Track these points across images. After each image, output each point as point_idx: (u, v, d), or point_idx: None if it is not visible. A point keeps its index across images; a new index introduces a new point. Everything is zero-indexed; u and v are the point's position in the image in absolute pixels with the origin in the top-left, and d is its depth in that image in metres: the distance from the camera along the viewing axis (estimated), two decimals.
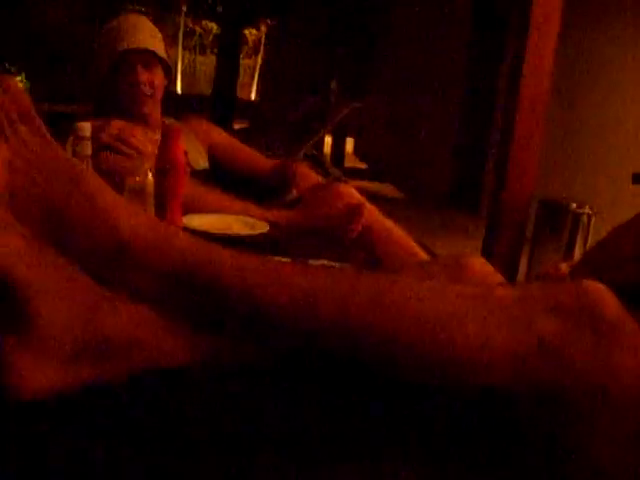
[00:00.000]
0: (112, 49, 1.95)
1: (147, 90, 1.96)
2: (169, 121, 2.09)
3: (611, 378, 0.53)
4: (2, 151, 0.58)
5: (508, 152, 3.16)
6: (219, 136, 2.22)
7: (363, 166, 10.12)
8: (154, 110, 2.01)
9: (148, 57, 1.95)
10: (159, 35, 2.05)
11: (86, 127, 1.38)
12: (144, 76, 1.94)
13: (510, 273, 3.29)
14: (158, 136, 1.76)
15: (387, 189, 7.52)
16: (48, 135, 0.64)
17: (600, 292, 0.57)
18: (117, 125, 1.73)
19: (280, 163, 2.13)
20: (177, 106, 2.16)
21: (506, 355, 0.55)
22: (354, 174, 7.73)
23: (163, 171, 1.35)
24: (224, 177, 2.05)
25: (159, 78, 1.99)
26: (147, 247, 0.61)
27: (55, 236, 0.60)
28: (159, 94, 2.01)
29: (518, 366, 0.55)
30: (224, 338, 0.62)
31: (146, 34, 1.97)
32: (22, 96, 0.63)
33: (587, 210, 3.63)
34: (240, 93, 16.61)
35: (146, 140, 1.95)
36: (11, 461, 0.54)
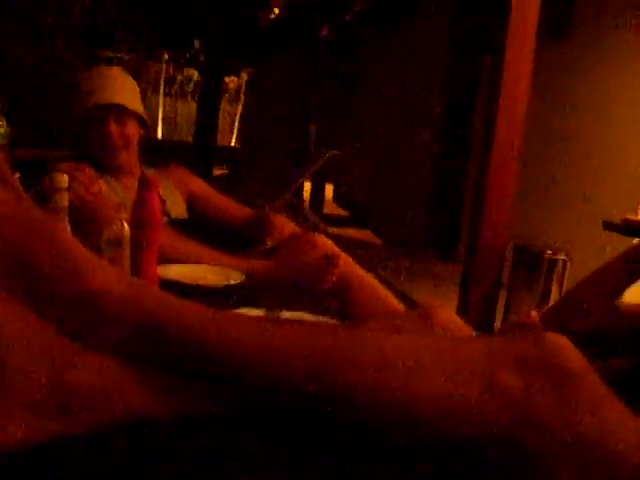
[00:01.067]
0: (83, 103, 1.98)
1: (119, 142, 1.99)
2: (148, 171, 2.11)
3: (573, 434, 0.54)
4: None
5: (482, 200, 3.20)
6: (198, 186, 2.24)
7: (342, 212, 10.17)
8: (128, 160, 2.03)
9: (119, 110, 1.98)
10: (133, 87, 2.08)
11: (63, 179, 1.39)
12: (115, 129, 1.98)
13: (486, 318, 3.30)
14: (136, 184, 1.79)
15: (366, 235, 7.56)
16: (20, 190, 0.65)
17: (563, 346, 0.58)
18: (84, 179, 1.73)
19: (255, 213, 2.15)
20: (157, 152, 2.18)
21: (471, 409, 0.56)
22: (333, 221, 7.77)
23: (139, 222, 1.36)
24: (201, 226, 2.07)
25: (131, 129, 2.02)
26: (116, 301, 0.61)
27: (23, 289, 0.60)
28: (133, 145, 2.03)
29: (482, 420, 0.55)
30: (193, 393, 0.62)
31: (117, 88, 2.00)
32: None
33: (562, 256, 3.67)
34: (220, 139, 16.70)
35: (118, 190, 1.97)
36: None
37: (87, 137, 2.01)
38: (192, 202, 2.19)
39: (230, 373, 0.60)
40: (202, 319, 0.61)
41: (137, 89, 2.09)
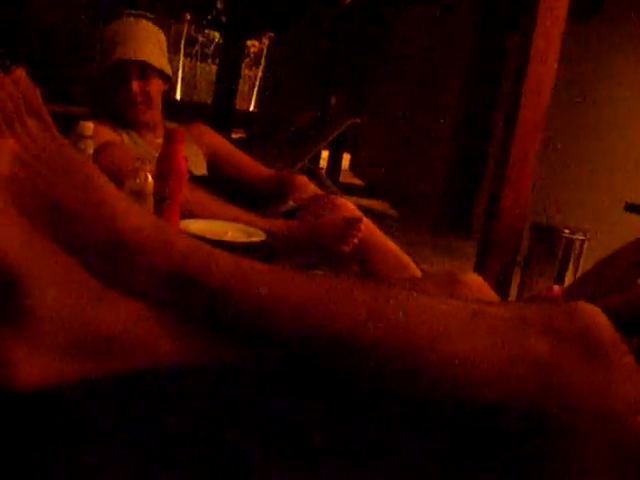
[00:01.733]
0: (106, 58, 1.96)
1: (141, 99, 1.97)
2: (171, 126, 2.10)
3: (604, 402, 0.54)
4: (9, 143, 0.58)
5: (503, 176, 3.17)
6: (220, 143, 2.23)
7: (358, 182, 10.14)
8: (151, 117, 2.01)
9: (143, 66, 1.95)
10: (159, 41, 2.05)
11: (88, 126, 1.38)
12: (138, 86, 1.95)
13: (500, 297, 3.29)
14: (160, 139, 1.77)
15: (381, 206, 7.54)
16: (55, 130, 0.64)
17: (595, 314, 0.57)
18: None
19: (277, 173, 2.14)
20: (176, 112, 2.17)
21: (498, 374, 0.55)
22: (349, 190, 7.74)
23: (164, 175, 1.36)
24: (223, 184, 2.06)
25: (155, 86, 1.99)
26: (148, 246, 0.61)
27: (57, 229, 0.60)
28: (156, 101, 2.01)
29: (510, 386, 0.55)
30: (221, 342, 0.62)
31: (143, 42, 1.97)
32: (31, 90, 0.63)
33: (580, 236, 3.64)
34: (239, 103, 16.63)
35: (142, 145, 1.96)
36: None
37: (109, 93, 1.99)
38: (214, 159, 2.18)
39: (260, 323, 0.60)
40: (235, 267, 0.61)
41: (163, 43, 2.06)
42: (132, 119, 1.98)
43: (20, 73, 0.62)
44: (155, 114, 2.03)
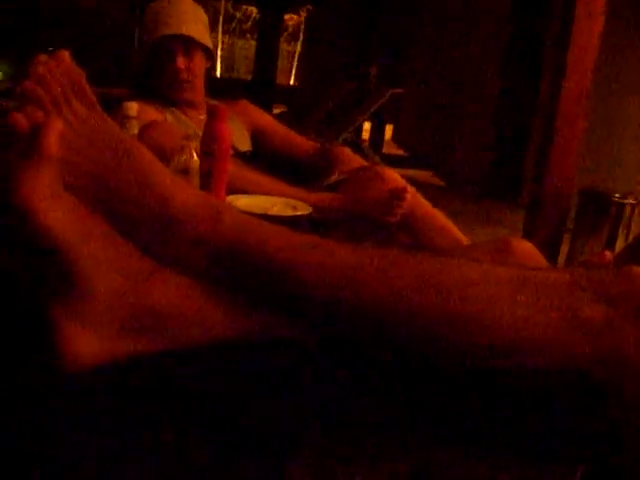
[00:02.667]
0: (151, 34, 1.96)
1: (186, 76, 1.96)
2: (214, 103, 2.10)
3: None
4: (56, 123, 0.58)
5: (550, 141, 3.11)
6: (263, 118, 2.23)
7: (402, 153, 10.06)
8: (195, 95, 2.01)
9: (187, 43, 1.95)
10: (202, 18, 2.04)
11: (133, 106, 1.40)
12: (182, 63, 1.95)
13: (550, 264, 3.24)
14: (203, 116, 1.78)
15: (426, 176, 7.47)
16: (100, 109, 0.64)
17: None
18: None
19: (323, 146, 2.13)
20: (216, 89, 2.17)
21: (552, 339, 0.55)
22: (392, 161, 7.69)
23: (208, 151, 1.36)
24: (267, 159, 2.06)
25: (199, 63, 1.99)
26: (197, 221, 0.61)
27: (105, 208, 0.61)
28: (199, 79, 2.01)
29: (563, 350, 0.54)
30: (272, 315, 0.63)
31: (186, 18, 1.96)
32: (76, 70, 0.63)
33: (631, 200, 3.56)
34: (279, 78, 16.59)
35: (186, 122, 1.96)
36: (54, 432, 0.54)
37: (154, 70, 1.99)
38: (258, 135, 2.18)
39: (311, 295, 0.60)
40: (283, 241, 0.61)
41: (206, 20, 2.05)
42: (177, 97, 1.98)
43: (64, 55, 0.62)
44: (198, 92, 2.03)
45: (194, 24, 1.98)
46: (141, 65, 2.03)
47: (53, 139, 0.57)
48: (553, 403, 0.57)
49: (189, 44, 1.95)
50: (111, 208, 0.61)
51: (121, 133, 0.65)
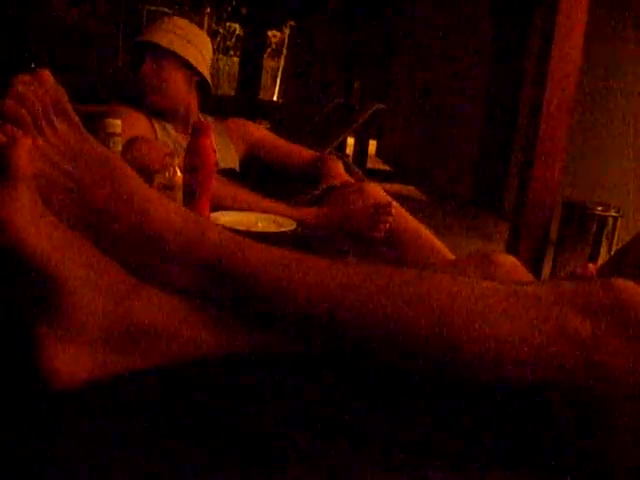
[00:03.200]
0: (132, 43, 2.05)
1: (153, 81, 1.99)
2: (205, 118, 2.12)
3: None
4: (26, 141, 0.57)
5: (533, 153, 3.13)
6: (259, 133, 2.26)
7: (385, 168, 10.10)
8: (165, 102, 2.03)
9: (156, 50, 1.99)
10: (186, 33, 2.06)
11: (116, 124, 1.39)
12: (149, 68, 1.98)
13: (534, 277, 3.24)
14: (189, 130, 1.80)
15: (409, 191, 7.50)
16: (82, 128, 0.64)
17: (633, 291, 0.56)
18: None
19: (318, 155, 2.17)
20: (199, 105, 2.18)
21: (538, 353, 0.55)
22: (376, 176, 7.72)
23: (192, 167, 1.36)
24: (254, 175, 2.07)
25: (167, 69, 2.01)
26: (179, 238, 0.61)
27: (88, 226, 0.60)
28: (171, 86, 2.02)
29: (550, 365, 0.54)
30: (257, 332, 0.62)
31: (161, 31, 2.01)
32: (58, 89, 0.63)
33: (613, 213, 3.58)
34: (263, 94, 16.65)
35: (172, 134, 1.97)
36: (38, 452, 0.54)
37: (130, 81, 2.05)
38: (255, 150, 2.21)
39: (297, 311, 0.60)
40: (265, 257, 0.61)
41: (194, 37, 2.07)
42: (149, 105, 2.01)
43: (46, 74, 0.62)
44: (170, 99, 2.04)
45: (171, 36, 2.01)
46: (121, 75, 2.08)
47: (24, 157, 0.56)
48: (540, 415, 0.57)
49: (157, 51, 1.99)
50: (93, 225, 0.61)
51: (103, 150, 0.64)
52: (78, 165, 0.61)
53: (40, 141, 0.59)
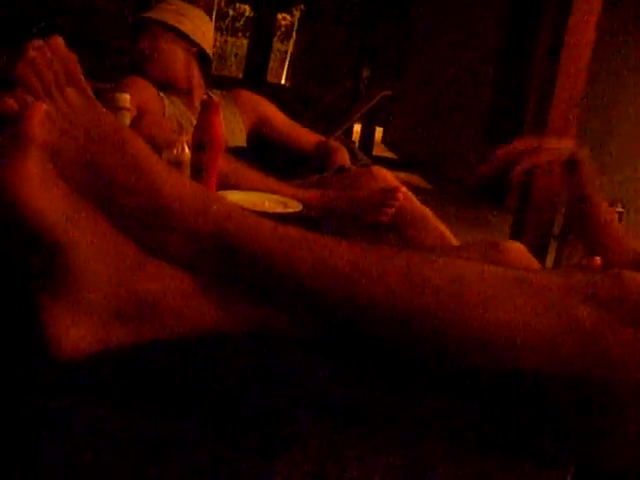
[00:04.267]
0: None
1: (148, 54, 2.04)
2: (214, 93, 2.12)
3: None
4: (39, 107, 0.58)
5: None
6: (268, 107, 2.26)
7: (391, 155, 10.07)
8: (163, 72, 2.06)
9: (149, 25, 2.04)
10: (183, 9, 2.11)
11: (124, 98, 1.39)
12: (143, 42, 2.04)
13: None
14: (197, 105, 1.81)
15: (414, 179, 7.48)
16: (94, 97, 0.64)
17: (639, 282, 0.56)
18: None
19: (323, 139, 2.16)
20: (207, 86, 2.18)
21: (544, 340, 0.55)
22: (382, 163, 7.69)
23: (200, 145, 1.36)
24: (261, 155, 2.07)
25: (162, 42, 2.05)
26: (187, 211, 0.61)
27: (97, 196, 0.60)
28: (167, 57, 2.06)
29: (555, 352, 0.54)
30: (263, 308, 0.62)
31: (160, 9, 2.07)
32: (69, 56, 0.62)
33: (619, 208, 3.57)
34: (271, 77, 16.59)
35: (180, 107, 1.98)
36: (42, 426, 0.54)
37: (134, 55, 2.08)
38: (262, 124, 2.22)
39: (300, 286, 0.59)
40: (273, 232, 0.61)
41: (189, 12, 2.11)
42: (150, 77, 2.04)
43: (58, 41, 0.61)
44: (170, 72, 2.07)
45: (165, 11, 2.07)
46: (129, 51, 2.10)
47: (36, 123, 0.56)
48: (546, 403, 0.57)
49: (152, 26, 2.04)
50: (102, 195, 0.60)
51: (113, 120, 0.64)
52: (88, 134, 0.60)
53: (51, 109, 0.59)
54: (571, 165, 1.35)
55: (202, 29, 2.12)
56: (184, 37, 2.08)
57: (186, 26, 2.07)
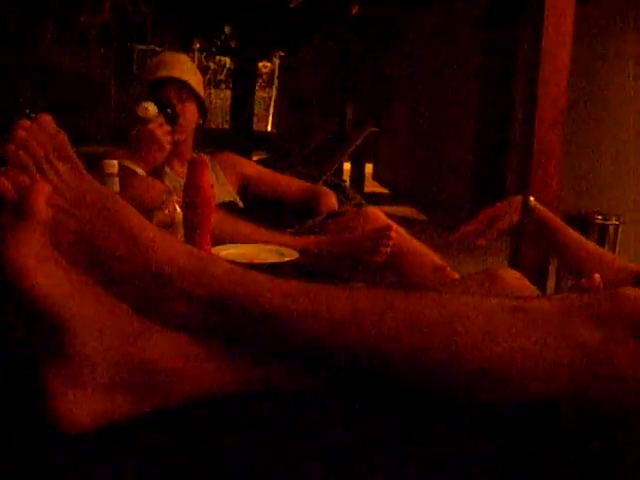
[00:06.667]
0: (147, 78, 2.01)
1: (182, 123, 1.96)
2: (199, 154, 2.12)
3: None
4: (44, 187, 0.58)
5: (529, 170, 3.13)
6: (249, 167, 2.27)
7: (383, 190, 10.11)
8: (183, 142, 2.02)
9: (179, 86, 1.98)
10: (195, 70, 2.09)
11: (112, 164, 1.40)
12: (181, 107, 1.96)
13: (539, 290, 3.21)
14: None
15: (408, 211, 7.50)
16: (84, 171, 0.65)
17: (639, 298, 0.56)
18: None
19: (311, 185, 2.17)
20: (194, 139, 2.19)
21: (547, 368, 0.55)
22: (375, 199, 7.72)
23: (191, 203, 1.36)
24: (252, 207, 2.08)
25: (190, 110, 2.01)
26: (182, 274, 0.61)
27: (93, 267, 0.60)
28: (188, 125, 2.02)
29: (561, 379, 0.54)
30: (265, 365, 0.62)
31: (179, 66, 2.01)
32: (58, 134, 0.64)
33: (614, 221, 3.58)
34: (257, 125, 16.74)
35: (171, 175, 1.97)
36: None
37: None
38: (248, 185, 2.22)
39: (303, 341, 0.59)
40: (270, 288, 0.61)
41: (200, 77, 2.10)
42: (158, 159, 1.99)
43: (46, 119, 0.63)
44: (185, 140, 2.04)
45: (190, 74, 2.03)
46: (126, 116, 2.06)
47: (41, 202, 0.57)
48: (555, 427, 0.56)
49: (182, 88, 1.99)
50: (98, 266, 0.61)
51: (104, 191, 0.65)
52: (82, 208, 0.61)
53: (45, 186, 0.59)
54: (527, 213, 1.52)
55: (199, 78, 2.10)
56: (201, 112, 2.08)
57: (202, 92, 2.06)
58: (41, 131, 0.62)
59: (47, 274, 0.56)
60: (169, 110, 1.85)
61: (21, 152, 0.61)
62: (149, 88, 1.99)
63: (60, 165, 0.63)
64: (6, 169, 0.60)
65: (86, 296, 0.59)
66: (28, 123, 0.62)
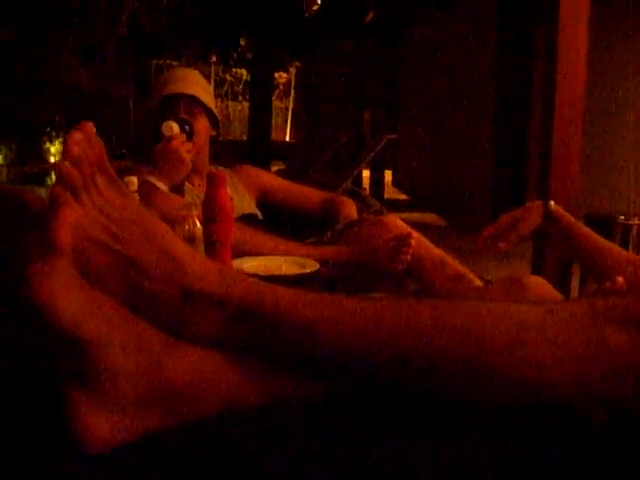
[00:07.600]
0: (156, 95, 2.00)
1: (198, 143, 1.96)
2: (216, 168, 2.12)
3: None
4: (69, 215, 0.56)
5: (549, 173, 3.12)
6: (269, 180, 2.27)
7: (403, 197, 10.10)
8: (198, 157, 2.01)
9: (190, 102, 1.97)
10: (205, 84, 2.10)
11: (132, 181, 1.41)
12: (200, 126, 1.97)
13: (562, 293, 3.18)
14: (196, 178, 1.82)
15: (429, 218, 7.49)
16: (122, 186, 0.65)
17: None
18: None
19: (329, 195, 2.17)
20: (213, 152, 2.18)
21: (578, 373, 0.54)
22: (395, 205, 7.72)
23: (211, 218, 1.37)
24: (271, 219, 2.08)
25: (202, 124, 2.01)
26: (214, 290, 0.61)
27: (124, 288, 0.60)
28: (201, 140, 2.01)
29: (592, 383, 0.54)
30: (290, 377, 0.62)
31: (189, 81, 2.01)
32: (98, 145, 0.62)
33: (636, 221, 3.54)
34: (275, 135, 16.82)
35: (188, 190, 1.98)
36: None
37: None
38: (267, 196, 2.22)
39: (332, 354, 0.59)
40: (295, 301, 0.61)
41: (210, 89, 2.11)
42: (180, 177, 1.99)
43: (90, 128, 0.61)
44: (202, 156, 2.04)
45: (199, 88, 2.02)
46: (147, 127, 2.04)
47: (65, 230, 0.55)
48: (584, 431, 0.56)
49: (192, 103, 1.98)
50: (131, 286, 0.60)
51: (143, 211, 0.64)
52: (121, 225, 0.61)
53: (73, 213, 0.58)
54: (548, 218, 1.51)
55: (209, 90, 2.10)
56: (214, 124, 2.08)
57: (214, 108, 2.06)
58: (89, 146, 0.61)
59: (70, 296, 0.57)
60: (187, 127, 1.86)
61: (73, 169, 0.59)
62: (159, 105, 1.99)
63: (100, 180, 0.62)
64: (56, 185, 0.59)
65: (112, 317, 0.59)
66: (79, 135, 0.60)
